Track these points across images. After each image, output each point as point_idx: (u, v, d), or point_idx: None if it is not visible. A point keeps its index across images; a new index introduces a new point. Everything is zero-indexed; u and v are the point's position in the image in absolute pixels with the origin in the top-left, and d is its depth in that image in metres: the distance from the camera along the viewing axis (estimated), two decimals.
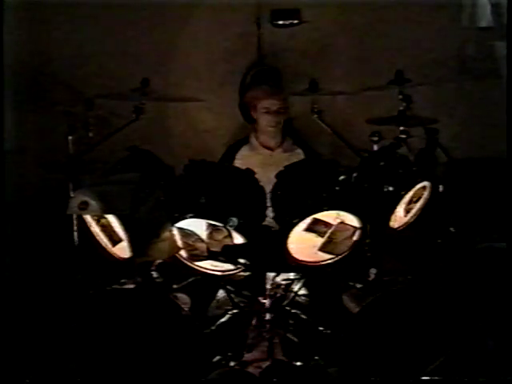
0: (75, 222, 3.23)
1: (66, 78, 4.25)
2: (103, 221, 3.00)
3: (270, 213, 3.04)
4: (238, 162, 3.78)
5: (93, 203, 2.68)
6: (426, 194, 3.20)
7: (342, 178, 3.00)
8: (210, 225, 2.89)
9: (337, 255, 3.02)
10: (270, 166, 3.44)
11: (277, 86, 4.02)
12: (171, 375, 2.78)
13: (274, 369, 2.91)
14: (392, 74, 3.54)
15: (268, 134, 3.78)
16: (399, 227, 3.20)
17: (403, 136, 3.34)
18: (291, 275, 3.25)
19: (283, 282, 3.25)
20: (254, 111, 3.75)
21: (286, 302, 3.20)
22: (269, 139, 3.81)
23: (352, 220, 2.96)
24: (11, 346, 2.94)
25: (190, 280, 3.19)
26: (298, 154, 3.79)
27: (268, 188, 3.04)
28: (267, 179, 3.07)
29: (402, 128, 3.38)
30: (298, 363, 2.94)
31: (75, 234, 3.27)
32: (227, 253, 2.89)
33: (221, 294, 3.30)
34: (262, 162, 3.68)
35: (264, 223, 3.06)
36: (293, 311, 3.19)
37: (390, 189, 3.02)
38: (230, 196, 2.96)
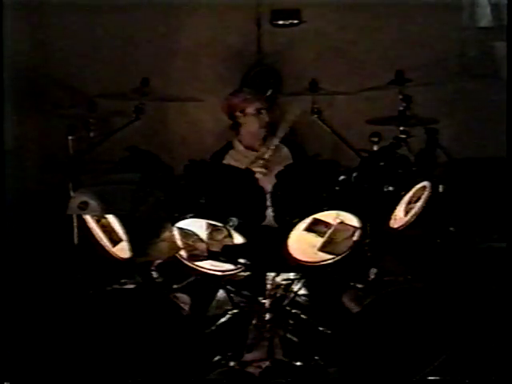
0: (75, 221, 3.23)
1: (66, 78, 4.26)
2: (103, 221, 2.99)
3: (270, 213, 3.04)
4: None
5: (93, 203, 2.68)
6: (425, 193, 3.20)
7: (342, 178, 3.00)
8: (210, 225, 2.88)
9: (337, 255, 3.02)
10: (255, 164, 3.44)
11: (259, 86, 4.04)
12: (171, 375, 2.78)
13: (274, 369, 2.91)
14: (392, 74, 3.54)
15: (256, 136, 3.73)
16: (399, 227, 3.20)
17: (403, 136, 3.34)
18: (291, 275, 3.25)
19: (283, 282, 3.25)
20: (242, 115, 3.68)
21: (285, 302, 3.20)
22: (255, 140, 3.74)
23: (352, 220, 2.96)
24: (11, 345, 2.94)
25: (189, 280, 3.19)
26: (284, 151, 3.76)
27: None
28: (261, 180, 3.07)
29: (401, 128, 3.38)
30: (298, 363, 2.94)
31: (75, 233, 3.27)
32: (227, 253, 2.89)
33: (221, 294, 3.30)
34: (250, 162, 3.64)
35: (264, 223, 3.06)
36: (293, 311, 3.20)
37: (390, 189, 3.02)
38: (230, 196, 2.96)
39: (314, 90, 3.73)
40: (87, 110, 3.52)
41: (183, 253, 2.96)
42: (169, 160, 3.26)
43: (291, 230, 2.93)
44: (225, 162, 3.74)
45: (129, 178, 2.92)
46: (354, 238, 3.00)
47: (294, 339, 3.09)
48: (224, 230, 2.87)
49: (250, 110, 3.64)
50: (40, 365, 2.79)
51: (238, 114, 3.68)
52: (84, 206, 2.68)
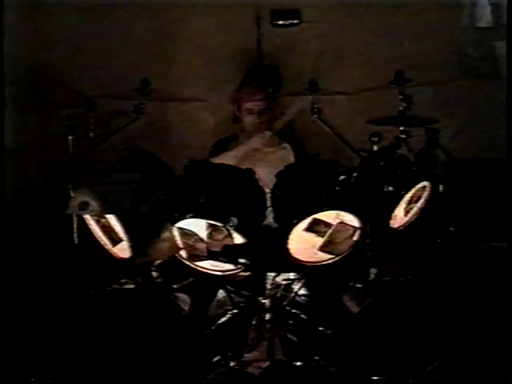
0: (75, 221, 3.23)
1: (66, 78, 4.25)
2: (103, 221, 3.00)
3: (270, 213, 3.04)
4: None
5: (93, 203, 2.68)
6: (425, 194, 3.21)
7: (341, 178, 3.00)
8: (210, 225, 2.89)
9: (337, 255, 3.02)
10: (258, 161, 3.45)
11: (262, 85, 3.98)
12: (171, 375, 2.78)
13: (274, 369, 2.91)
14: (392, 74, 3.54)
15: (252, 134, 3.76)
16: (399, 227, 3.20)
17: (403, 136, 3.34)
18: (291, 275, 3.26)
19: (283, 282, 3.25)
20: (239, 112, 3.75)
21: (285, 302, 3.20)
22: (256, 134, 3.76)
23: (352, 220, 2.96)
24: (11, 345, 2.94)
25: (190, 280, 3.20)
26: (286, 149, 3.75)
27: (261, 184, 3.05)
28: (258, 175, 3.07)
29: (402, 128, 3.38)
30: (298, 363, 2.94)
31: (75, 233, 3.27)
32: (227, 253, 2.89)
33: (221, 294, 3.30)
34: (250, 158, 3.66)
35: (264, 223, 3.06)
36: (293, 311, 3.20)
37: (390, 189, 3.02)
38: (230, 196, 2.96)
39: (314, 90, 3.73)
40: (87, 110, 3.51)
41: (183, 253, 2.96)
42: (169, 160, 3.26)
43: (291, 230, 2.93)
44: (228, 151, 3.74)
45: (129, 178, 2.92)
46: (354, 238, 3.00)
47: (294, 339, 3.09)
48: (224, 230, 2.87)
49: (246, 106, 3.66)
50: (40, 364, 2.79)
51: (238, 109, 3.72)
52: (84, 206, 2.68)
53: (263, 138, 3.66)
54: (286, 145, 3.77)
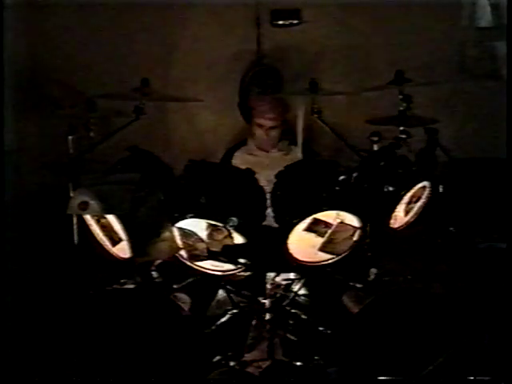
0: (75, 221, 3.23)
1: (66, 78, 4.25)
2: (103, 221, 3.00)
3: (270, 213, 3.04)
4: (234, 163, 3.80)
5: (93, 203, 2.68)
6: (425, 194, 3.21)
7: (342, 178, 3.00)
8: (210, 225, 2.89)
9: (337, 255, 3.02)
10: (266, 166, 3.47)
11: (276, 102, 3.90)
12: (171, 375, 2.78)
13: (274, 369, 2.91)
14: (392, 74, 3.54)
15: (262, 141, 3.80)
16: (399, 227, 3.20)
17: (403, 136, 3.34)
18: (291, 275, 3.26)
19: (283, 282, 3.25)
20: (252, 117, 3.78)
21: (286, 302, 3.20)
22: (263, 144, 3.83)
23: (352, 220, 2.96)
24: (11, 345, 2.94)
25: (189, 280, 3.20)
26: (295, 153, 3.78)
27: (267, 188, 3.05)
28: (265, 179, 3.07)
29: (401, 128, 3.37)
30: (298, 363, 2.94)
31: (75, 233, 3.27)
32: (227, 253, 2.89)
33: (221, 294, 3.30)
34: (258, 162, 3.68)
35: (264, 223, 3.06)
36: (293, 311, 3.19)
37: (390, 189, 3.02)
38: (230, 196, 2.96)
39: (314, 90, 3.73)
40: (87, 110, 3.51)
41: (183, 253, 2.96)
42: (169, 160, 3.26)
43: (291, 230, 2.93)
44: (234, 157, 3.84)
45: (129, 178, 2.92)
46: (354, 238, 3.00)
47: (294, 339, 3.09)
48: (224, 230, 2.87)
49: (257, 121, 3.71)
50: (40, 364, 2.79)
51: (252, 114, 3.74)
52: (84, 206, 2.68)
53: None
54: (296, 148, 3.79)
